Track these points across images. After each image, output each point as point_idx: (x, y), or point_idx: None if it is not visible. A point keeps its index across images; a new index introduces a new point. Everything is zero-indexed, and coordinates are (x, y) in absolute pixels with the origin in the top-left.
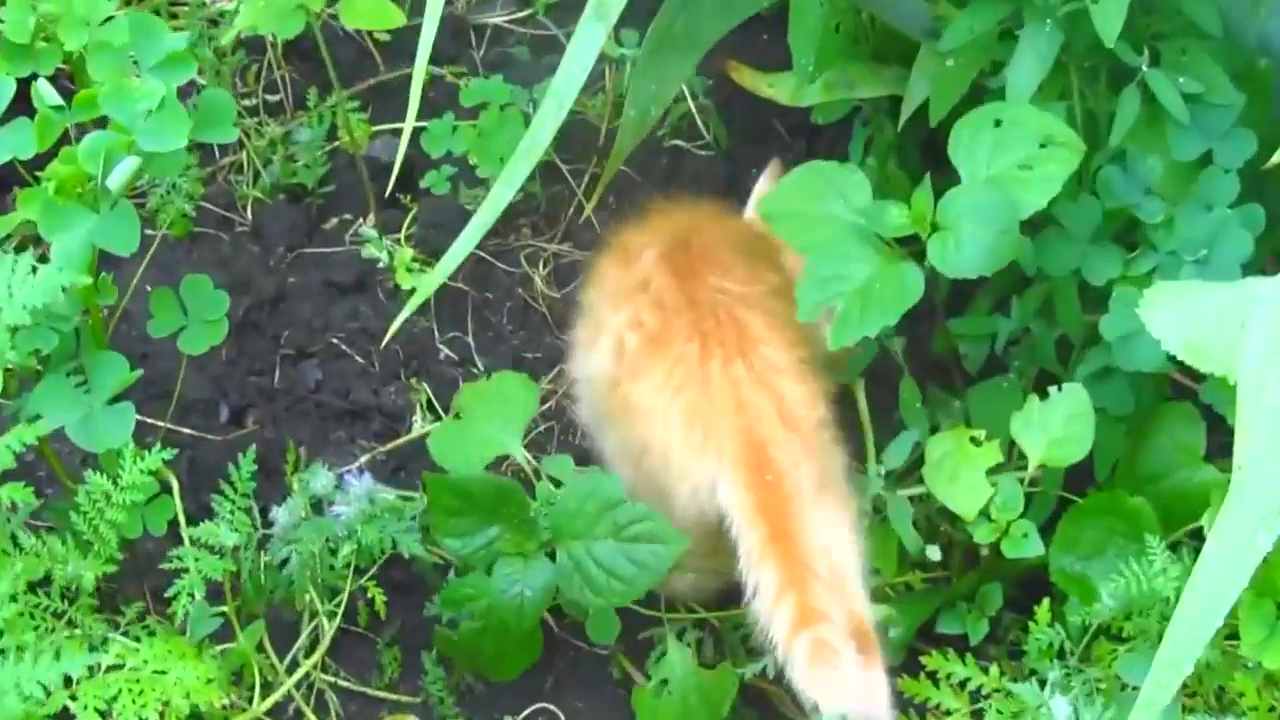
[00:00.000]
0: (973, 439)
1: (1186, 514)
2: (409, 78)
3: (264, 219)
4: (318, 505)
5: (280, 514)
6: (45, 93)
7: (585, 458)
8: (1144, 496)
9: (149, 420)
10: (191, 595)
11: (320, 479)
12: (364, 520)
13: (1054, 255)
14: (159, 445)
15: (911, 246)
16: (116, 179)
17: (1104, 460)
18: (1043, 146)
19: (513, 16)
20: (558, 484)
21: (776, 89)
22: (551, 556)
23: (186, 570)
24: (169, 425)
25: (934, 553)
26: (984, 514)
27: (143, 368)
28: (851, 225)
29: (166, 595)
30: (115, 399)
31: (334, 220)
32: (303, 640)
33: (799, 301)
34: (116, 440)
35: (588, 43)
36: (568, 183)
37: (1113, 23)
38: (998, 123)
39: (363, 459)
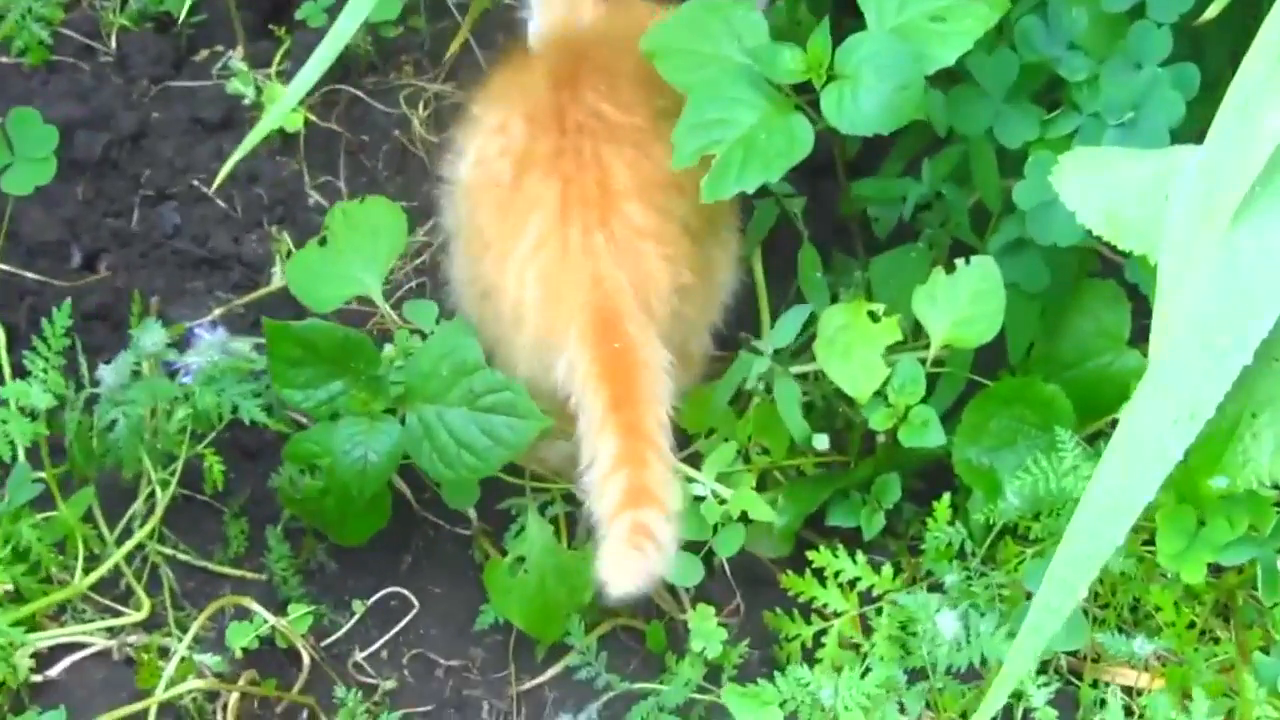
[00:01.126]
0: (870, 313)
1: (1106, 404)
2: None
3: (129, 49)
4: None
5: (107, 372)
6: None
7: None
8: (1060, 383)
9: None
10: None
11: (151, 335)
12: (204, 380)
13: (966, 113)
14: None
15: (809, 97)
16: None
17: (1017, 342)
18: None
19: None
20: (422, 337)
21: None
22: (403, 421)
23: None
24: (11, 269)
25: (820, 441)
26: (880, 396)
27: None
28: (741, 68)
29: None
30: None
31: (204, 53)
32: (136, 508)
33: (674, 146)
34: None
35: None
36: (454, 17)
37: None
38: None
39: (217, 311)
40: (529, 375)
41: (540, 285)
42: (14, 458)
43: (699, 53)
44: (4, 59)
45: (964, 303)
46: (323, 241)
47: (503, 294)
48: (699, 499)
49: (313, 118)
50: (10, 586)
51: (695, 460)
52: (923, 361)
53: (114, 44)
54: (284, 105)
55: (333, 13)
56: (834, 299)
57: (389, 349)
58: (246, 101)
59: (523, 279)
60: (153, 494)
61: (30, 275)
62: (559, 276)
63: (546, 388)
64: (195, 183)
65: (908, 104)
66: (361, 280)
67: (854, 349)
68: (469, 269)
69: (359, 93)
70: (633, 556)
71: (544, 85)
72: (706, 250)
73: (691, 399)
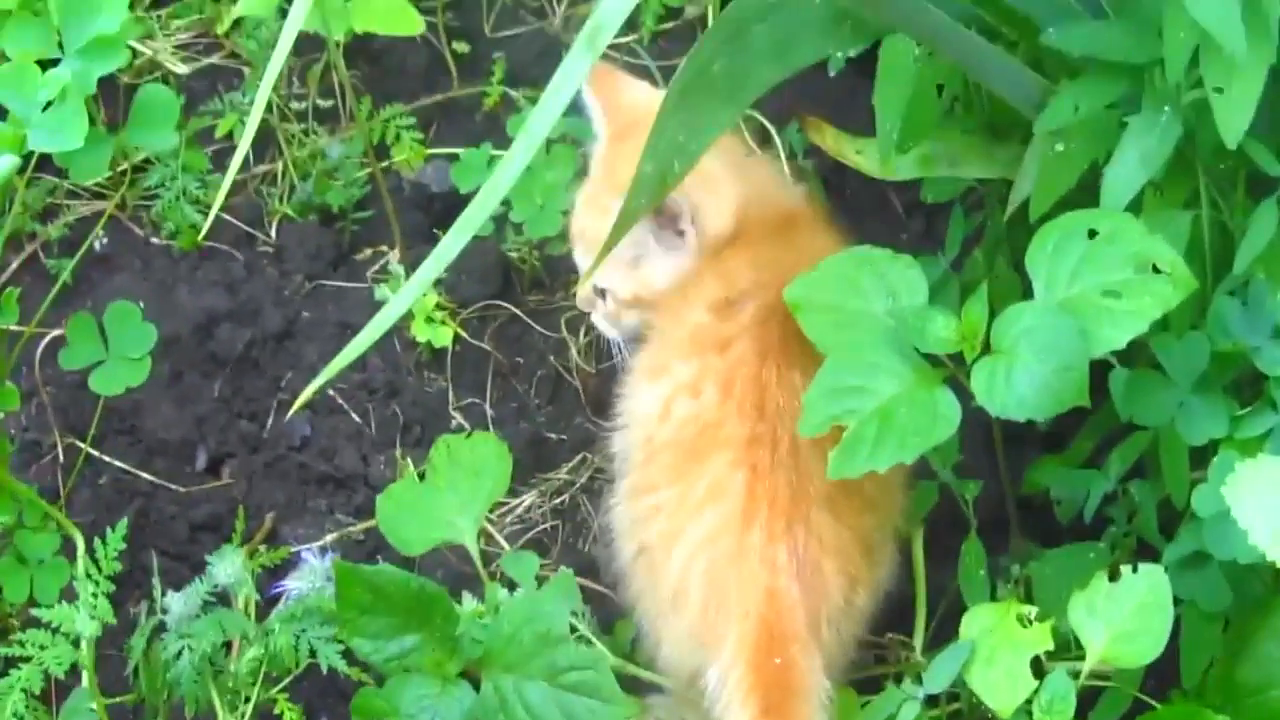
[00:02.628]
0: (1019, 617)
1: None
2: (483, 96)
3: (288, 239)
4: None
5: (175, 601)
6: None
7: (594, 570)
8: (1236, 712)
9: (105, 458)
10: (26, 691)
11: (227, 565)
12: (284, 618)
13: (1146, 401)
14: None
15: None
16: None
17: (1193, 661)
18: (1140, 272)
19: (614, 41)
20: (512, 588)
21: (864, 156)
22: (477, 686)
23: (26, 659)
24: (126, 466)
25: None
26: (1024, 712)
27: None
28: (887, 330)
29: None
30: None
31: (368, 251)
32: None
33: (805, 410)
34: None
35: (571, 73)
36: None
37: (1237, 118)
38: (1093, 233)
39: (331, 536)
40: (671, 656)
41: (706, 584)
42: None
43: (845, 309)
44: (155, 240)
45: (1126, 615)
46: (422, 476)
47: (663, 573)
48: None
49: (464, 334)
50: None
51: None
52: (1075, 675)
53: (274, 233)
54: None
55: (501, 222)
56: (993, 593)
57: (470, 603)
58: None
59: (689, 569)
60: None
61: (145, 475)
62: (729, 580)
63: (684, 672)
64: (332, 391)
65: (1068, 388)
66: (455, 525)
67: (999, 655)
68: (630, 520)
69: (518, 311)
70: None
71: (748, 348)
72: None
73: None
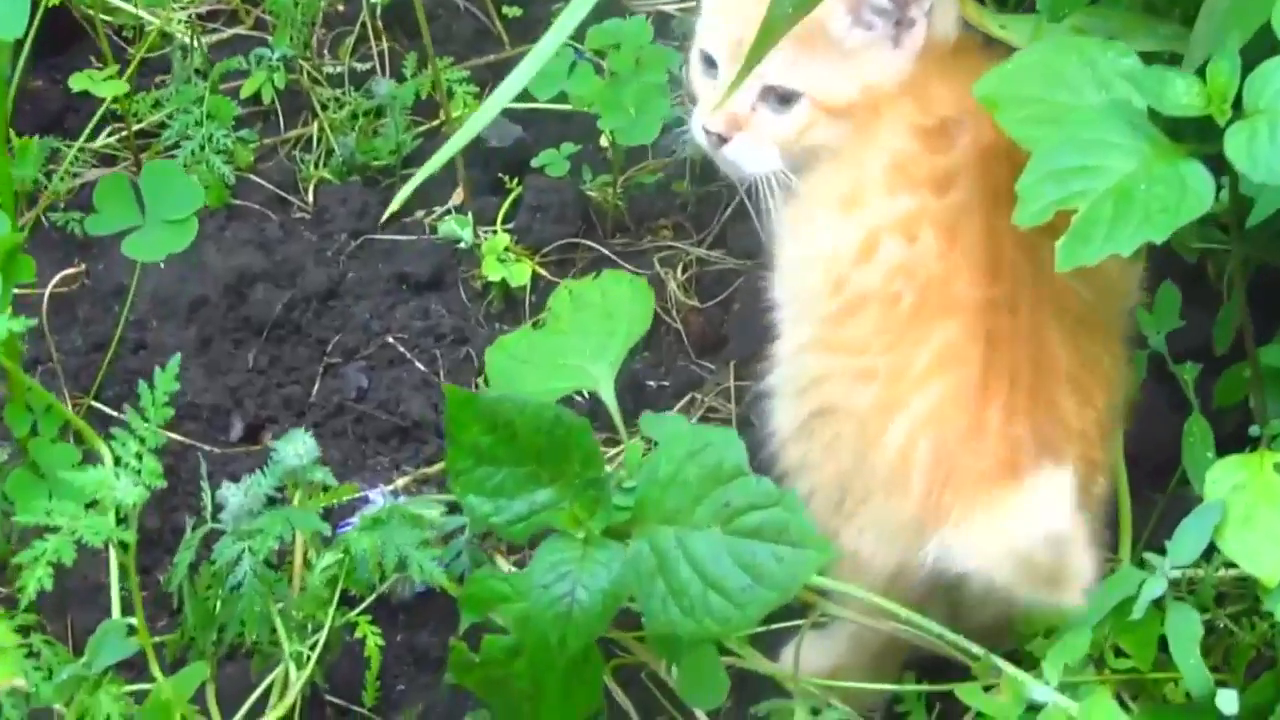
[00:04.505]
0: (1278, 465)
1: None
2: None
3: (328, 201)
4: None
5: (232, 493)
6: None
7: None
8: None
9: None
10: (51, 564)
11: (296, 445)
12: (366, 525)
13: None
14: None
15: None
16: None
17: None
18: None
19: (681, 6)
20: None
21: (1010, 31)
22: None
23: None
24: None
25: (1228, 702)
26: None
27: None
28: (1112, 105)
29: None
30: None
31: (419, 213)
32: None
33: (1020, 197)
34: None
35: None
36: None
37: None
38: None
39: (400, 481)
40: (877, 547)
41: (935, 463)
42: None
43: (1051, 102)
44: None
45: None
46: (536, 325)
47: (878, 448)
48: (1035, 709)
49: (544, 273)
50: None
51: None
52: None
53: (311, 198)
54: (492, 107)
55: (577, 162)
56: None
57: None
58: (463, 247)
59: (913, 445)
60: (287, 677)
61: (175, 436)
62: (963, 461)
63: (887, 567)
64: (391, 340)
65: None
66: (586, 371)
67: (1258, 513)
68: (810, 379)
69: (604, 250)
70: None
71: (973, 190)
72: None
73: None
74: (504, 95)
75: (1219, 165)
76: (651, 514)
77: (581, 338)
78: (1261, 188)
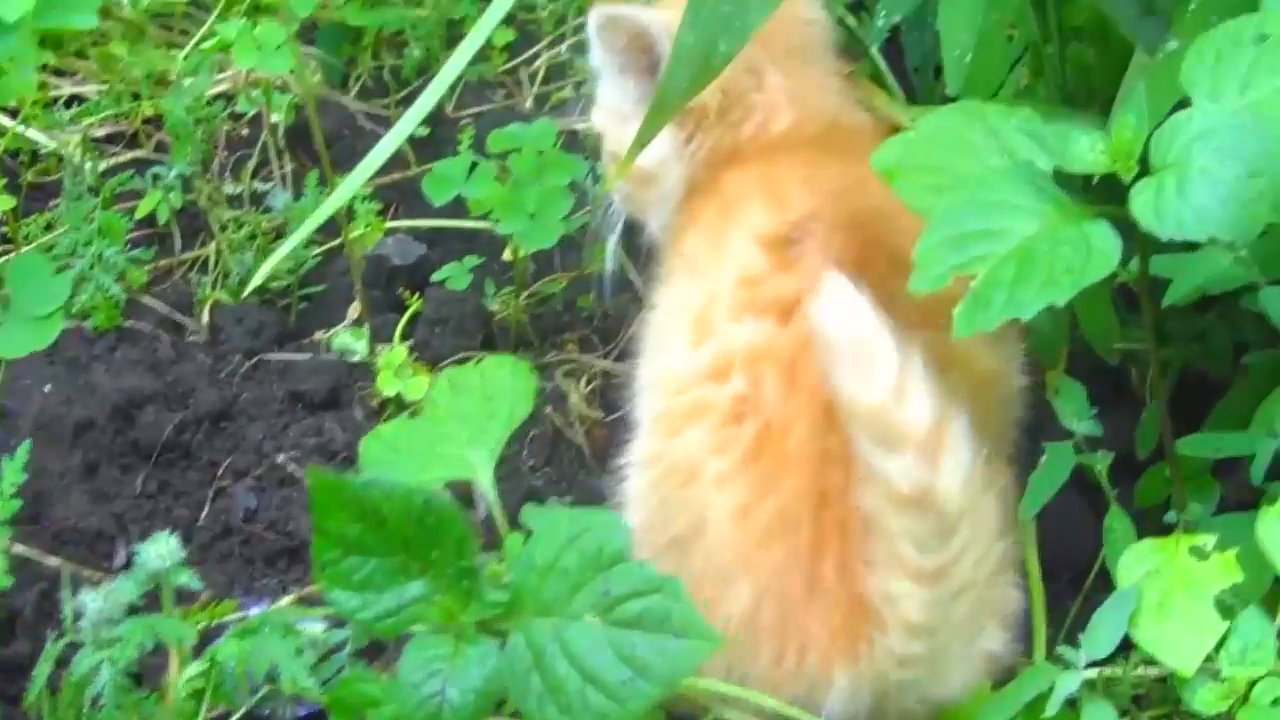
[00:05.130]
0: (1193, 549)
1: None
2: None
3: (223, 321)
4: None
5: (90, 600)
6: None
7: None
8: None
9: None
10: None
11: (160, 546)
12: (236, 634)
13: None
14: None
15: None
16: None
17: None
18: None
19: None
20: None
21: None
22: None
23: None
24: (29, 551)
25: None
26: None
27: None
28: (1014, 168)
29: None
30: None
31: (318, 333)
32: None
33: (916, 264)
34: None
35: None
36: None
37: None
38: (1262, 38)
39: (284, 601)
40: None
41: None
42: None
43: (954, 171)
44: (66, 323)
45: None
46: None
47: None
48: None
49: None
50: None
51: None
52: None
53: (206, 319)
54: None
55: (480, 275)
56: None
57: (490, 562)
58: (360, 364)
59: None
60: None
61: (52, 562)
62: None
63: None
64: (282, 459)
65: (1259, 199)
66: (464, 459)
67: (1173, 600)
68: (659, 499)
69: None
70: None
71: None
72: None
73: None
74: (369, 165)
75: (1131, 235)
76: (528, 605)
77: (459, 424)
78: (1178, 267)
